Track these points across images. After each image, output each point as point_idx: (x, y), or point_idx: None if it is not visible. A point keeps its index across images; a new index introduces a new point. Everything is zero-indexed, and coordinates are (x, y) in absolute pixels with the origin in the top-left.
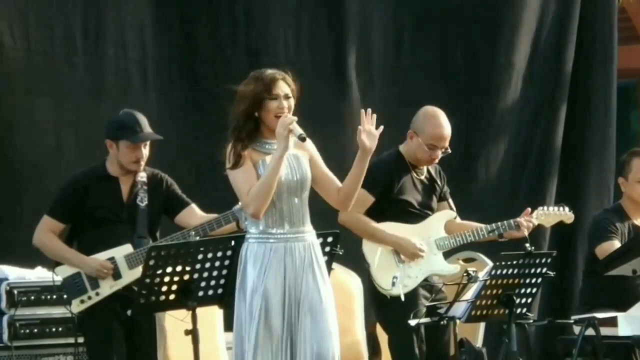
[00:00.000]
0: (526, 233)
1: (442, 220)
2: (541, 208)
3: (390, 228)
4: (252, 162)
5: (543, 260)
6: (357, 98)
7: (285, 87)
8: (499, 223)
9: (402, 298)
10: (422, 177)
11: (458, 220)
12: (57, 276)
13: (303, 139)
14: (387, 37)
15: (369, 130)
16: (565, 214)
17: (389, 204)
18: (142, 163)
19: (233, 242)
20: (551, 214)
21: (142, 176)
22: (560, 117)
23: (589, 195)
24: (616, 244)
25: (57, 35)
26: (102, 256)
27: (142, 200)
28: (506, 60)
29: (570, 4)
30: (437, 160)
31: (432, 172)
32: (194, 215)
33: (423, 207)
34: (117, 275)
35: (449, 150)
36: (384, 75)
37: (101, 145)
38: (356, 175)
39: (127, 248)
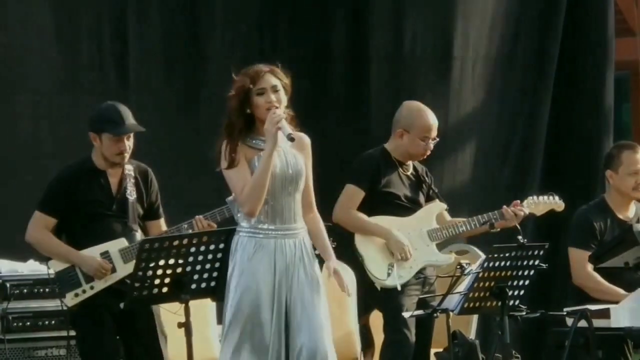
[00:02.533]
0: (516, 222)
1: (433, 211)
2: (531, 197)
3: (383, 221)
4: (247, 159)
5: (535, 252)
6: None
7: (272, 79)
8: (490, 213)
9: (399, 288)
10: (409, 174)
11: (447, 217)
12: (50, 269)
13: (292, 139)
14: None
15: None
16: (556, 203)
17: (378, 197)
18: (127, 155)
19: (225, 235)
20: (541, 203)
21: (130, 169)
22: (545, 106)
23: (575, 186)
24: (588, 254)
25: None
26: (97, 250)
27: (131, 194)
28: (485, 48)
29: None
30: (429, 152)
31: (419, 170)
32: (159, 229)
33: (410, 201)
34: (112, 269)
35: (437, 138)
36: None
37: (78, 140)
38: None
39: (121, 242)
